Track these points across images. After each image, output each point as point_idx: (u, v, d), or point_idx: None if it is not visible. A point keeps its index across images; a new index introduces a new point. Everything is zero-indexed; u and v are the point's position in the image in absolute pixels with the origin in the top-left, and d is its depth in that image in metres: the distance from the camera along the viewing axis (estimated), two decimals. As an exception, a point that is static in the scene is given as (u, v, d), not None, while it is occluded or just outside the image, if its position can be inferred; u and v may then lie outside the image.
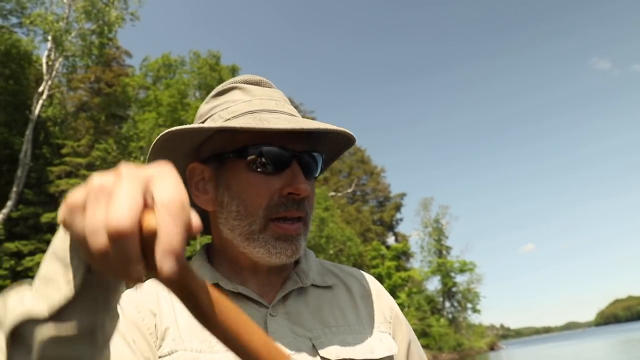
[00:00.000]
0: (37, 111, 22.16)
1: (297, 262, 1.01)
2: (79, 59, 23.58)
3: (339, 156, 1.07)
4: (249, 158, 0.88)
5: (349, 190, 53.85)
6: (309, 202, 0.93)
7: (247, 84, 1.00)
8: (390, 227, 61.81)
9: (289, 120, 0.87)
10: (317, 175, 0.96)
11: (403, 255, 50.81)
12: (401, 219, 63.77)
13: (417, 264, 54.82)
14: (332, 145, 1.02)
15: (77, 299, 0.48)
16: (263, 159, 0.88)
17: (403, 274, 44.09)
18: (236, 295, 0.90)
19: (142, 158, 24.15)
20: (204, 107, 1.00)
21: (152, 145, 0.91)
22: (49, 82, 22.99)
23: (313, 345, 0.87)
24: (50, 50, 23.18)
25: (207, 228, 1.02)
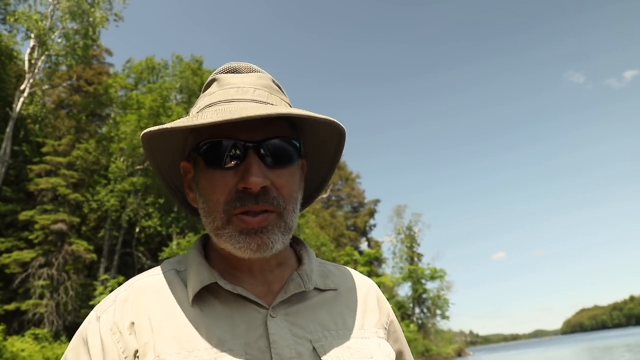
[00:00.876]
0: (17, 108, 22.23)
1: (300, 263, 0.98)
2: (62, 59, 23.68)
3: (339, 149, 0.99)
4: (204, 154, 0.86)
5: (324, 196, 54.33)
6: (281, 192, 0.86)
7: (224, 72, 0.97)
8: (363, 232, 62.46)
9: (227, 111, 0.82)
10: (293, 161, 0.90)
11: (375, 260, 51.36)
12: (374, 225, 64.46)
13: (389, 269, 55.54)
14: (320, 134, 0.98)
15: None
16: (216, 154, 0.85)
17: (375, 280, 44.55)
18: (235, 297, 0.88)
19: (122, 159, 24.33)
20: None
21: (143, 148, 0.92)
22: (31, 80, 23.06)
23: (314, 348, 0.85)
24: (33, 48, 23.25)
25: None
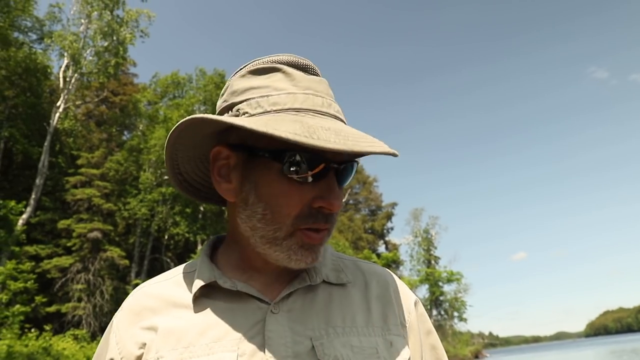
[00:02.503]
0: (54, 123, 23.69)
1: None
2: (94, 77, 25.14)
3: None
4: (284, 163, 0.79)
5: (343, 200, 54.95)
6: (336, 211, 0.84)
7: (292, 67, 0.88)
8: (381, 235, 62.86)
9: (339, 134, 0.75)
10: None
11: (393, 263, 51.88)
12: (392, 228, 64.61)
13: (407, 272, 55.95)
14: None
15: None
16: (299, 168, 0.78)
17: (392, 282, 45.09)
18: (235, 294, 0.85)
19: (150, 170, 25.71)
20: (239, 82, 0.88)
21: (174, 128, 0.84)
22: (65, 97, 24.54)
23: (312, 347, 0.80)
24: (67, 66, 24.72)
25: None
